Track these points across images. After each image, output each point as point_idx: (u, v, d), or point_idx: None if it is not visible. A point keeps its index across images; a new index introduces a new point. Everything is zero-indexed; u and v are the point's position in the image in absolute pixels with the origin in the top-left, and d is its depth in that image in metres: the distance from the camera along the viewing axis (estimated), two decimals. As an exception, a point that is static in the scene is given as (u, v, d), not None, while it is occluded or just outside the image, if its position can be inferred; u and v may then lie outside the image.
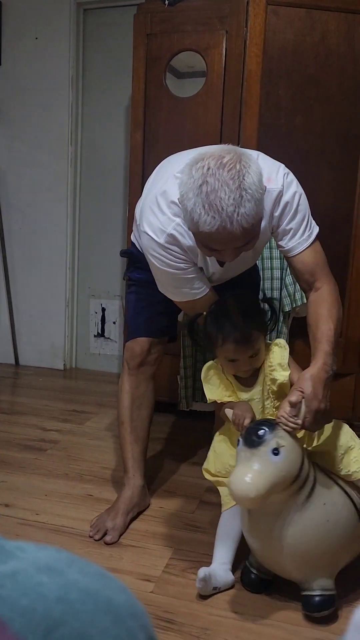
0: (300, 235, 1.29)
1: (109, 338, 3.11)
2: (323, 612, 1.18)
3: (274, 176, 1.26)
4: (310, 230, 1.31)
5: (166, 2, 2.19)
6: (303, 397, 1.12)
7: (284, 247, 1.31)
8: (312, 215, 1.34)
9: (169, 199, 1.26)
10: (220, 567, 1.30)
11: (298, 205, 1.28)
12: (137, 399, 1.65)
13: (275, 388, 1.28)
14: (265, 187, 1.15)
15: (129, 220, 2.38)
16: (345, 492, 1.21)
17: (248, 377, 1.33)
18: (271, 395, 1.30)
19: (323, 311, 1.26)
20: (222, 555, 1.33)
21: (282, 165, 1.30)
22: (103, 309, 3.10)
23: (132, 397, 1.65)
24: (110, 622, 0.31)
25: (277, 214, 1.27)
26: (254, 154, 1.27)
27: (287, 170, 1.30)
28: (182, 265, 1.32)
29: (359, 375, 2.21)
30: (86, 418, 2.39)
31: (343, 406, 2.24)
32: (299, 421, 1.11)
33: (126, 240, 2.45)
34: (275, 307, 1.37)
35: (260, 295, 1.41)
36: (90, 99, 2.97)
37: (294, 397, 1.12)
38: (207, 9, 2.14)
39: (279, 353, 1.29)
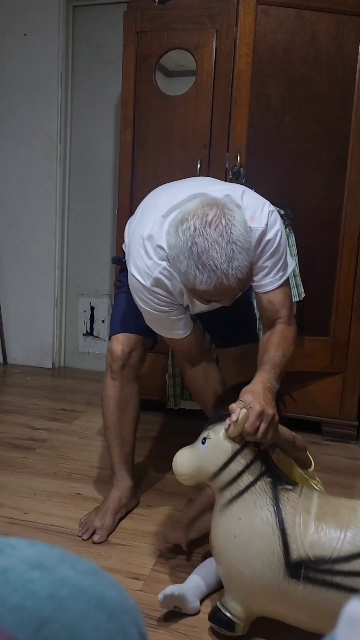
0: (274, 275, 1.31)
1: (97, 337, 3.10)
2: (216, 627, 1.14)
3: (258, 214, 1.27)
4: (284, 271, 1.33)
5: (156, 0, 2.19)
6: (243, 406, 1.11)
7: (255, 283, 1.33)
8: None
9: (155, 243, 1.27)
10: (191, 590, 1.23)
11: (278, 244, 1.29)
12: (121, 403, 1.63)
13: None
14: (250, 227, 1.18)
15: (119, 218, 2.38)
16: (281, 534, 1.05)
17: None
18: None
19: (275, 339, 1.30)
20: (197, 580, 1.27)
21: (267, 203, 1.31)
22: (92, 308, 3.09)
23: (116, 401, 1.63)
24: (102, 618, 0.31)
25: (258, 251, 1.28)
26: (238, 190, 1.29)
27: (271, 207, 1.31)
28: (166, 308, 1.34)
29: (346, 375, 2.23)
30: (75, 417, 2.39)
31: (331, 405, 2.25)
32: (234, 416, 1.09)
33: (115, 239, 2.45)
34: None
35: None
36: (80, 97, 2.96)
37: (234, 404, 1.12)
38: (197, 7, 2.14)
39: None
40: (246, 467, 1.10)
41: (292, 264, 1.38)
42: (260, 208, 1.28)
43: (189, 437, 2.17)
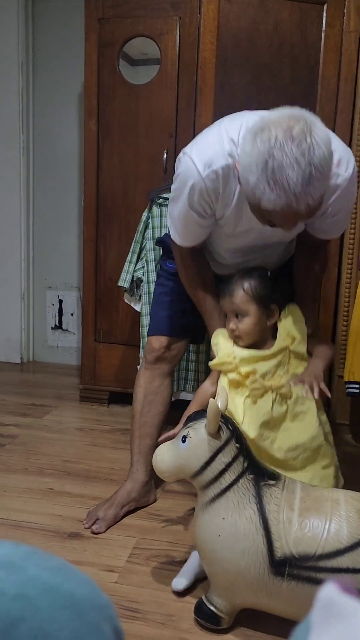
0: (335, 228, 1.33)
1: (67, 330, 3.07)
2: (201, 621, 1.15)
3: (344, 161, 1.19)
4: (343, 227, 1.36)
5: (118, -14, 2.15)
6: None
7: (314, 226, 1.30)
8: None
9: (230, 136, 1.18)
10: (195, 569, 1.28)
11: (350, 199, 1.26)
12: (149, 394, 1.59)
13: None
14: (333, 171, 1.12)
15: (85, 209, 2.35)
16: (265, 532, 1.06)
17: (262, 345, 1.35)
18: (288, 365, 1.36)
19: (315, 267, 1.40)
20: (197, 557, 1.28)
21: (352, 156, 1.24)
22: (60, 301, 3.05)
23: (145, 391, 1.60)
24: (71, 616, 0.30)
25: (332, 199, 1.21)
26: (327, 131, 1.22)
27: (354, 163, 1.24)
28: (200, 210, 1.25)
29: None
30: (45, 411, 2.36)
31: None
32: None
33: (82, 230, 2.41)
34: (279, 284, 1.36)
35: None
36: (42, 86, 2.89)
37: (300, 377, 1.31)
38: (160, -6, 2.11)
39: (294, 325, 1.35)
40: (228, 466, 1.10)
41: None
42: (348, 156, 1.21)
43: (163, 430, 2.18)
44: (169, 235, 1.45)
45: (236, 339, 1.33)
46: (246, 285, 1.31)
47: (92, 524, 1.49)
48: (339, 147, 1.18)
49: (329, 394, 1.31)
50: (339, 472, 1.35)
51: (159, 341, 1.57)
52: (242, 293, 1.30)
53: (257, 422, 1.24)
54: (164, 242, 1.62)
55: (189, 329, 1.58)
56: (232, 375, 1.30)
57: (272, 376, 1.29)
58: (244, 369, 1.29)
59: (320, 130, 1.02)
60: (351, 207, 1.31)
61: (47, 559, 0.34)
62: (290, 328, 1.34)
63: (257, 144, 1.01)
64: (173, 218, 1.34)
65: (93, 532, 1.47)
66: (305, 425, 1.29)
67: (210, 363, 1.36)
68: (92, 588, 0.34)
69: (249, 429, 1.24)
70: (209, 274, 1.44)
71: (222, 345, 1.35)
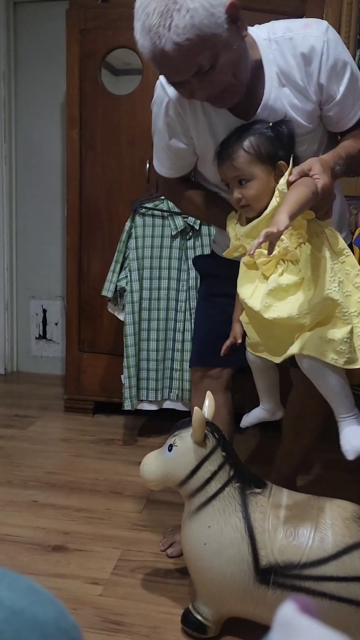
0: (354, 109, 1.11)
1: (51, 340, 3.05)
2: (188, 631, 1.15)
3: (314, 22, 1.07)
4: None
5: (99, -3, 2.16)
6: (307, 174, 1.00)
7: (330, 121, 1.14)
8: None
9: None
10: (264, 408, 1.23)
11: (350, 70, 1.08)
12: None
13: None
14: (300, 34, 1.03)
15: (68, 219, 2.35)
16: (250, 540, 1.06)
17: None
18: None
19: (356, 132, 1.14)
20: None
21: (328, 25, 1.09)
22: (44, 310, 3.03)
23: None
24: (36, 639, 0.30)
25: (313, 67, 1.06)
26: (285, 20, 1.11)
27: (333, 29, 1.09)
28: (178, 129, 1.17)
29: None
30: (29, 422, 2.34)
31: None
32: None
33: (66, 240, 2.41)
34: (283, 133, 1.10)
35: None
36: (24, 95, 2.89)
37: (298, 168, 1.01)
38: (141, 6, 2.13)
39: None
40: (214, 474, 1.10)
41: None
42: (314, 19, 1.10)
43: (146, 438, 2.19)
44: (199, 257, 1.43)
45: (243, 209, 1.11)
46: (246, 143, 1.08)
47: (168, 547, 1.44)
48: (304, 19, 1.13)
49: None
50: (353, 350, 1.04)
51: (197, 374, 1.44)
52: (242, 153, 1.08)
53: (262, 294, 1.07)
54: (195, 264, 1.58)
55: (226, 357, 1.29)
56: (246, 259, 1.12)
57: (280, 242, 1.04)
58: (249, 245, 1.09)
59: None
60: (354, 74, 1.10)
61: (15, 581, 0.33)
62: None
63: None
64: (155, 148, 1.29)
65: (168, 556, 1.42)
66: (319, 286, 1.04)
67: (224, 253, 1.19)
68: (59, 610, 0.34)
69: (255, 303, 1.07)
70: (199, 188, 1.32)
71: (230, 231, 1.17)
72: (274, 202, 1.05)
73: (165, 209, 2.07)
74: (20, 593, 0.32)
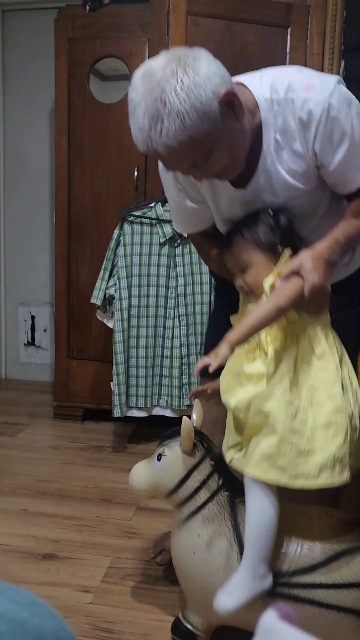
0: (355, 173, 1.03)
1: (39, 346, 3.05)
2: (178, 639, 1.14)
3: (318, 82, 1.00)
4: None
5: (87, 7, 2.18)
6: (297, 271, 0.99)
7: (332, 185, 1.08)
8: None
9: None
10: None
11: (353, 128, 1.00)
12: (208, 424, 1.25)
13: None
14: (304, 98, 0.97)
15: (57, 226, 2.35)
16: (239, 549, 1.05)
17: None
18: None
19: (355, 207, 1.08)
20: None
21: (336, 76, 1.03)
22: (33, 317, 3.03)
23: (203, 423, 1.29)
24: None
25: (311, 132, 1.00)
26: (293, 68, 1.06)
27: (341, 80, 1.02)
28: (188, 190, 1.16)
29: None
30: (18, 430, 2.33)
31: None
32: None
33: (54, 247, 2.41)
34: (281, 223, 1.09)
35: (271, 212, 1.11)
36: (13, 103, 2.90)
37: (287, 268, 1.00)
38: (128, 16, 2.15)
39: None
40: (203, 483, 1.11)
41: None
42: (328, 82, 0.99)
43: (136, 445, 2.19)
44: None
45: (248, 295, 1.12)
46: (246, 232, 1.09)
47: (158, 554, 1.44)
48: (314, 75, 1.03)
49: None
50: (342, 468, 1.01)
51: (205, 383, 1.36)
52: (242, 241, 1.09)
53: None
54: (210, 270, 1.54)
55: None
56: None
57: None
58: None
59: (202, 65, 0.91)
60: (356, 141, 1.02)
61: (16, 593, 0.35)
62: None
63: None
64: (172, 212, 1.31)
65: (158, 564, 1.43)
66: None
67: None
68: (58, 622, 0.35)
69: (222, 381, 1.09)
70: None
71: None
72: (264, 298, 1.04)
73: (153, 216, 2.09)
74: (21, 605, 0.33)
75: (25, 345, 3.06)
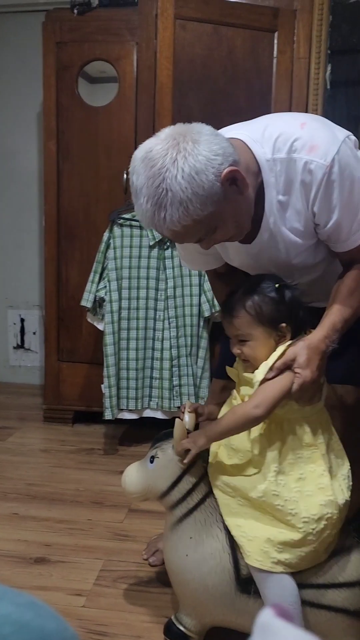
0: (351, 232, 1.04)
1: (29, 349, 3.04)
2: None
3: (322, 143, 0.98)
4: None
5: (75, 10, 2.18)
6: (291, 365, 1.01)
7: (326, 241, 1.08)
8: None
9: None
10: None
11: (353, 186, 1.00)
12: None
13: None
14: (306, 161, 0.97)
15: (46, 229, 2.35)
16: (231, 551, 1.07)
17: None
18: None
19: (350, 283, 1.07)
20: None
21: (341, 130, 1.02)
22: (22, 320, 3.02)
23: None
24: None
25: (311, 196, 1.01)
26: (297, 121, 1.02)
27: (347, 135, 1.01)
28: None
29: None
30: (8, 434, 2.32)
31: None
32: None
33: (43, 249, 2.41)
34: (287, 298, 1.07)
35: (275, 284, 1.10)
36: (0, 105, 2.88)
37: (280, 362, 1.01)
38: (116, 19, 2.16)
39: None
40: (195, 485, 1.11)
41: None
42: (333, 144, 0.98)
43: (127, 447, 2.20)
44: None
45: (245, 362, 1.11)
46: (249, 303, 1.06)
47: (151, 556, 1.45)
48: (318, 133, 1.00)
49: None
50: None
51: (218, 384, 1.42)
52: (244, 313, 1.06)
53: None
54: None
55: None
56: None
57: None
58: (235, 395, 1.15)
59: (203, 148, 0.90)
60: (356, 206, 1.02)
61: (17, 596, 0.35)
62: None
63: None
64: (183, 258, 1.35)
65: (150, 565, 1.43)
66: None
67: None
68: (60, 622, 0.36)
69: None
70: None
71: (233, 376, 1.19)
72: (255, 386, 1.04)
73: (143, 219, 2.09)
74: (24, 607, 0.34)
75: (14, 348, 3.05)
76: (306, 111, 2.14)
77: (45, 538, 1.56)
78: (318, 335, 1.03)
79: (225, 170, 0.92)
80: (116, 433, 2.33)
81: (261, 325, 1.06)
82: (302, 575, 1.04)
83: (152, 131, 2.16)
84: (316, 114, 2.10)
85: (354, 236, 1.05)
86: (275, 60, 2.12)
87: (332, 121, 1.07)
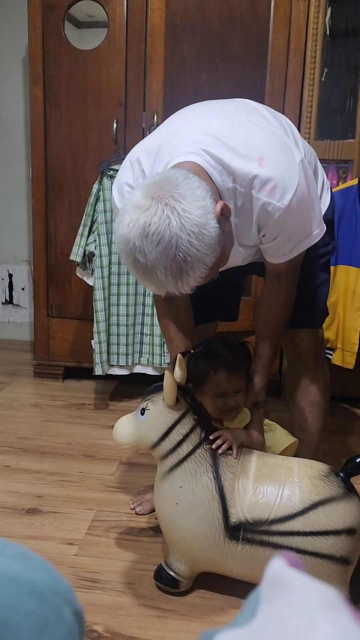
0: (283, 249, 1.15)
1: (18, 305, 3.00)
2: (161, 586, 1.18)
3: (281, 185, 1.05)
4: (299, 245, 1.15)
5: None
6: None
7: (260, 246, 1.19)
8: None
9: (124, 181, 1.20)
10: None
11: (301, 226, 1.12)
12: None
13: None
14: (264, 202, 1.05)
15: (33, 181, 2.28)
16: (220, 499, 1.10)
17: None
18: None
19: (274, 315, 1.26)
20: None
21: (300, 169, 1.07)
22: (10, 275, 2.97)
23: None
24: (34, 604, 0.31)
25: (265, 230, 1.12)
26: (255, 154, 1.06)
27: (302, 176, 1.08)
28: None
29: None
30: (-2, 389, 2.32)
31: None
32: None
33: (31, 202, 2.34)
34: (250, 353, 1.30)
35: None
36: (-17, 48, 2.74)
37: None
38: None
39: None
40: (185, 436, 1.13)
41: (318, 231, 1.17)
42: (289, 181, 1.05)
43: (118, 402, 2.21)
44: None
45: (229, 415, 1.27)
46: (239, 358, 1.27)
47: (137, 505, 1.48)
48: (277, 171, 1.05)
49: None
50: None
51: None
52: (242, 367, 1.26)
53: None
54: None
55: (212, 312, 1.51)
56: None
57: None
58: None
59: (192, 204, 0.90)
60: (298, 233, 1.13)
61: (7, 547, 0.34)
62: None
63: (119, 228, 0.93)
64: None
65: (137, 513, 1.46)
66: None
67: None
68: (52, 574, 0.35)
69: None
70: (185, 316, 1.37)
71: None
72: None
73: (133, 171, 2.03)
74: (14, 559, 0.33)
75: (3, 304, 3.02)
76: (304, 58, 2.04)
77: (37, 490, 1.58)
78: (258, 385, 1.26)
79: (218, 208, 0.95)
80: (107, 389, 2.34)
81: (245, 377, 1.28)
82: (290, 524, 1.06)
83: (143, 77, 2.09)
84: (315, 62, 2.01)
85: (290, 254, 1.16)
86: (273, 3, 2.01)
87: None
